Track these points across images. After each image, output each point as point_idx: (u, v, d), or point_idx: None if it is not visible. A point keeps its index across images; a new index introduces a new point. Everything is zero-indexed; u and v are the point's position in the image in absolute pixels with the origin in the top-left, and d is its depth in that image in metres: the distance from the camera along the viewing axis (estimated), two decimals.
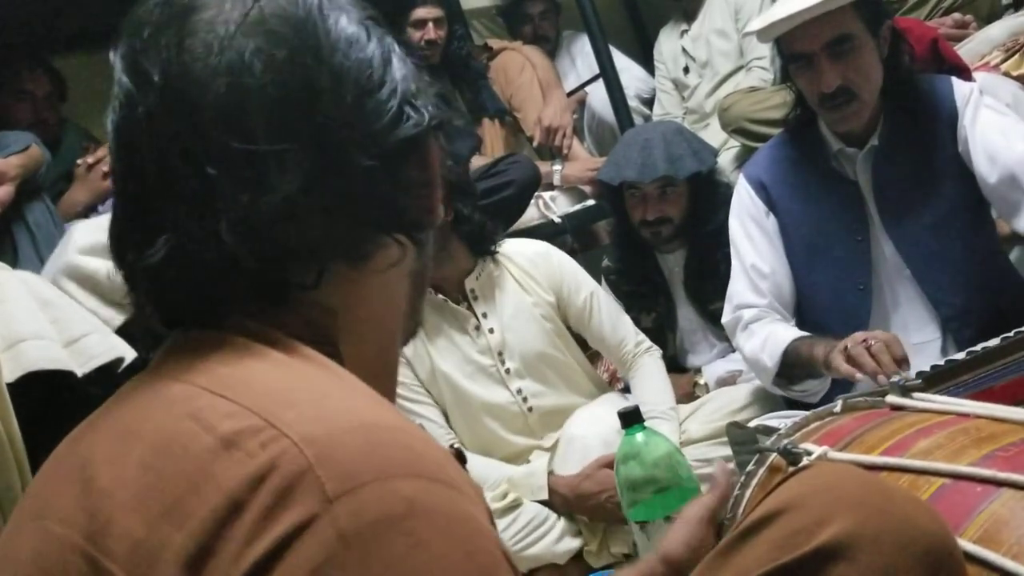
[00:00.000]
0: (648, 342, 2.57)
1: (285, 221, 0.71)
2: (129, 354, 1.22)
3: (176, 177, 0.71)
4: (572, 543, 2.31)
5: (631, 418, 1.60)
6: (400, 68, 0.79)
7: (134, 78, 0.73)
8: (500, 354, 2.41)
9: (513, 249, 2.50)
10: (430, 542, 0.58)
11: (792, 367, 2.11)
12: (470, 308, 2.41)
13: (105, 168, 2.86)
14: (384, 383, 0.79)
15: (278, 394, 0.65)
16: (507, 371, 2.42)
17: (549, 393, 2.46)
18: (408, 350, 2.33)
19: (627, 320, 2.58)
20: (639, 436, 1.59)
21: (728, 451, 2.05)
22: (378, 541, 0.57)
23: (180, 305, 0.74)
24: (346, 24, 0.76)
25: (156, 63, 0.72)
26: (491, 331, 2.41)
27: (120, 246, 0.76)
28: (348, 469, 0.59)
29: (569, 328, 2.53)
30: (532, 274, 2.48)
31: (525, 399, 2.43)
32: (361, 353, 0.78)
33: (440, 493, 0.61)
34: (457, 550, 0.59)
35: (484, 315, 2.41)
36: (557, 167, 3.52)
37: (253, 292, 0.72)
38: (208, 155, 0.70)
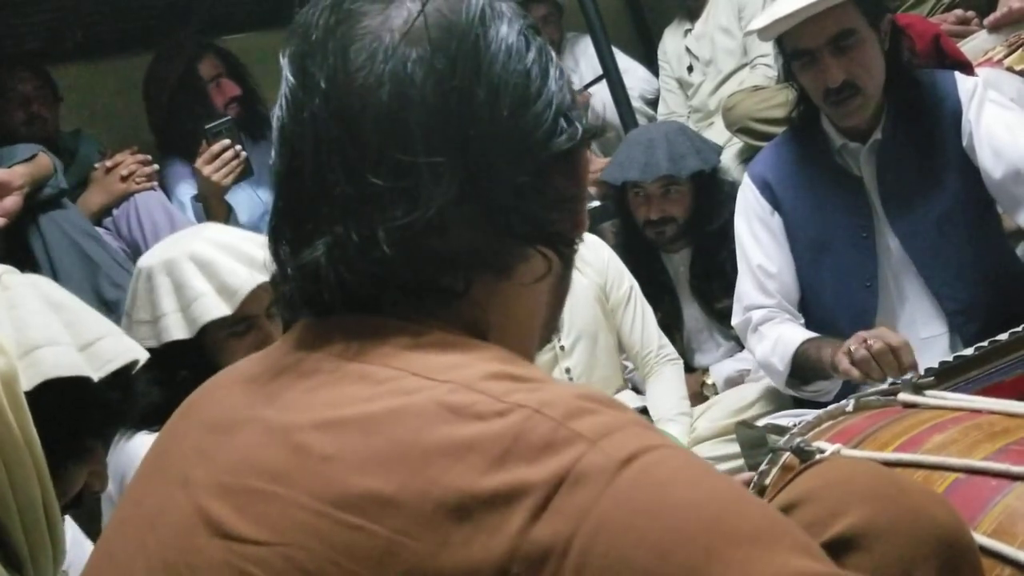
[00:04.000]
0: (673, 352, 2.62)
1: (437, 232, 0.71)
2: (142, 355, 1.22)
3: (335, 183, 0.72)
4: None
5: None
6: (556, 79, 0.78)
7: (301, 80, 0.74)
8: (558, 330, 2.45)
9: None
10: (694, 460, 0.63)
11: (803, 369, 2.11)
12: None
13: (123, 172, 2.86)
14: None
15: (488, 377, 0.66)
16: (561, 348, 2.48)
17: (591, 375, 2.51)
18: None
19: (655, 325, 2.63)
20: None
21: (736, 448, 2.05)
22: (656, 457, 0.61)
23: (333, 299, 0.74)
24: (506, 33, 0.76)
25: (322, 68, 0.73)
26: None
27: (276, 241, 0.77)
28: (596, 421, 0.62)
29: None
30: (585, 257, 2.55)
31: (572, 379, 2.48)
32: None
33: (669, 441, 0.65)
34: (713, 469, 0.64)
35: None
36: None
37: (405, 292, 0.73)
38: (367, 164, 0.71)
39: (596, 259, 2.61)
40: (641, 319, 2.60)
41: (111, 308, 2.22)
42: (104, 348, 1.15)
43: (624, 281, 2.61)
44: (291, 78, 0.75)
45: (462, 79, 0.72)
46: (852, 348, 1.87)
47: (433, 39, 0.73)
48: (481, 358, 0.69)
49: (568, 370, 2.49)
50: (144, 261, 1.86)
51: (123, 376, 1.18)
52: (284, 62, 0.77)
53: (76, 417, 1.13)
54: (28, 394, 1.02)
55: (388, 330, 0.72)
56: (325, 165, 0.72)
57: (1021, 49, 2.63)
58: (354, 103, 0.72)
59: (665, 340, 2.63)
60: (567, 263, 0.82)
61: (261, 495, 0.66)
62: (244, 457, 0.69)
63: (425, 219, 0.70)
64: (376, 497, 0.61)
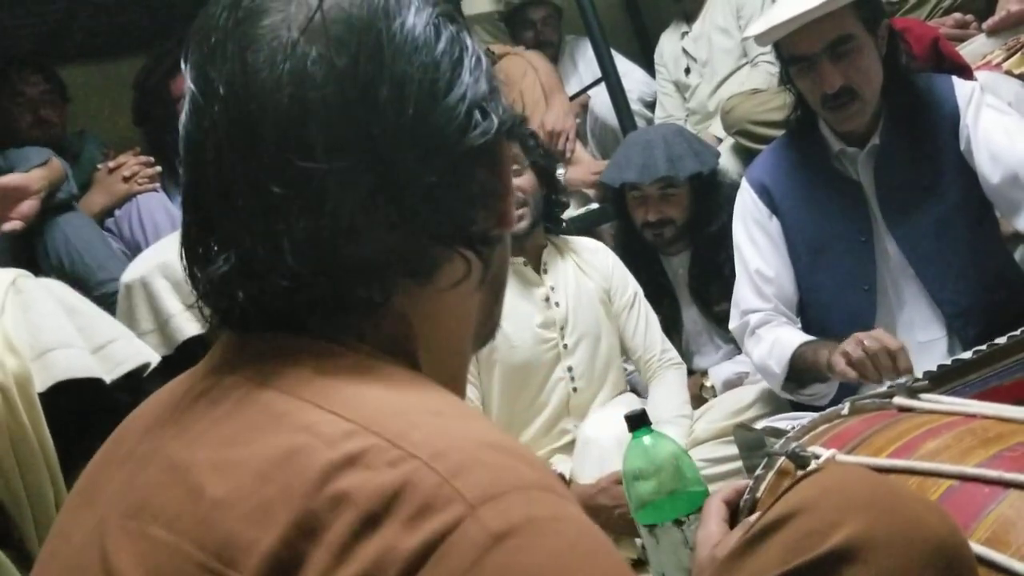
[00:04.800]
0: (676, 356, 2.64)
1: (347, 239, 0.68)
2: (154, 358, 1.23)
3: (238, 193, 0.69)
4: None
5: (638, 421, 1.61)
6: (472, 69, 0.74)
7: (201, 88, 0.71)
8: (562, 328, 2.51)
9: (573, 239, 2.68)
10: (579, 542, 0.58)
11: (800, 372, 2.12)
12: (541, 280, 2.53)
13: (126, 173, 2.87)
14: (455, 389, 0.77)
15: (395, 415, 0.64)
16: (565, 346, 2.50)
17: (593, 376, 2.54)
18: None
19: (659, 329, 2.66)
20: (646, 439, 1.59)
21: (734, 450, 2.05)
22: (532, 538, 0.57)
23: (248, 316, 0.71)
24: (413, 24, 0.72)
25: (221, 73, 0.70)
26: (557, 304, 2.52)
27: (188, 257, 0.74)
28: (484, 481, 0.59)
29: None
30: (590, 261, 2.62)
31: (573, 378, 2.51)
32: (436, 361, 0.75)
33: (570, 507, 0.61)
34: (603, 549, 0.59)
35: (552, 288, 2.53)
36: (560, 171, 3.52)
37: (321, 306, 0.70)
38: (269, 172, 0.68)
39: (602, 265, 2.64)
40: (644, 324, 2.62)
41: None
42: (116, 351, 1.16)
43: (628, 287, 2.64)
44: (191, 85, 0.72)
45: (364, 76, 0.69)
46: (849, 350, 1.88)
47: (333, 35, 0.69)
48: (391, 387, 0.67)
49: (570, 368, 2.51)
50: (132, 274, 1.83)
51: (134, 379, 1.19)
52: (185, 69, 0.73)
53: (88, 418, 1.14)
54: (41, 395, 1.03)
55: (301, 352, 0.69)
56: (228, 175, 0.69)
57: (1020, 53, 2.64)
58: (254, 108, 0.68)
59: (668, 345, 2.65)
60: (488, 262, 0.78)
61: (154, 543, 0.63)
62: (146, 498, 0.67)
63: (332, 227, 0.68)
64: (258, 551, 0.59)
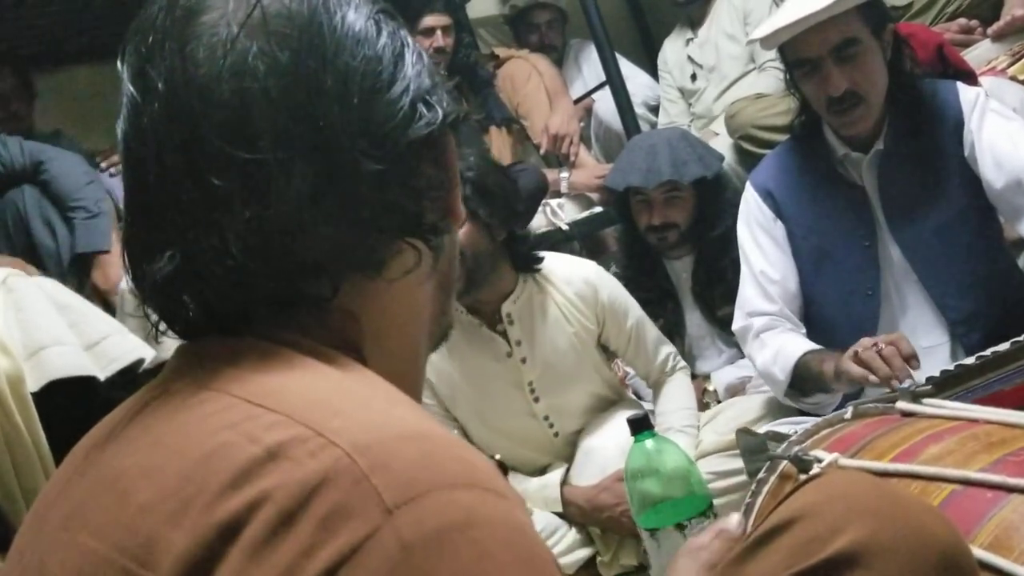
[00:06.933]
0: (680, 359, 2.54)
1: (293, 232, 0.68)
2: (149, 354, 1.22)
3: (180, 189, 0.68)
4: (582, 553, 2.31)
5: (640, 425, 1.60)
6: (414, 63, 0.75)
7: (139, 86, 0.71)
8: (531, 383, 2.36)
9: (560, 275, 2.39)
10: (493, 551, 0.57)
11: (803, 380, 2.11)
12: (504, 334, 2.33)
13: (112, 171, 2.91)
14: (410, 388, 0.76)
15: (320, 403, 0.63)
16: (536, 400, 2.37)
17: (577, 417, 2.43)
18: (430, 370, 2.18)
19: (664, 341, 2.52)
20: (649, 443, 1.59)
21: (740, 464, 2.04)
22: (442, 550, 0.55)
23: (193, 316, 0.71)
24: (353, 20, 0.73)
25: (160, 71, 0.70)
26: (523, 360, 2.34)
27: (131, 257, 0.73)
28: (405, 478, 0.57)
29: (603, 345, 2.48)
30: (577, 305, 2.38)
31: (552, 424, 2.40)
32: (386, 358, 0.75)
33: (496, 503, 0.60)
34: (519, 559, 0.58)
35: (518, 343, 2.33)
36: (564, 174, 3.53)
37: (268, 303, 0.70)
38: (211, 165, 0.67)
39: (588, 307, 2.39)
40: (653, 348, 2.47)
41: None
42: (110, 347, 1.15)
43: (627, 319, 2.42)
44: (129, 86, 0.71)
45: (307, 69, 0.69)
46: (859, 351, 1.84)
47: (274, 30, 0.70)
48: (324, 377, 0.67)
49: (547, 417, 2.39)
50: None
51: (129, 375, 1.18)
52: (122, 70, 0.73)
53: (83, 417, 1.14)
54: (35, 395, 1.03)
55: (242, 352, 0.68)
56: (169, 172, 0.69)
57: None
58: (194, 103, 0.68)
59: (672, 349, 2.54)
60: (438, 252, 0.79)
61: (82, 551, 0.64)
62: (79, 508, 0.67)
63: (278, 219, 0.68)
64: (174, 551, 0.58)
